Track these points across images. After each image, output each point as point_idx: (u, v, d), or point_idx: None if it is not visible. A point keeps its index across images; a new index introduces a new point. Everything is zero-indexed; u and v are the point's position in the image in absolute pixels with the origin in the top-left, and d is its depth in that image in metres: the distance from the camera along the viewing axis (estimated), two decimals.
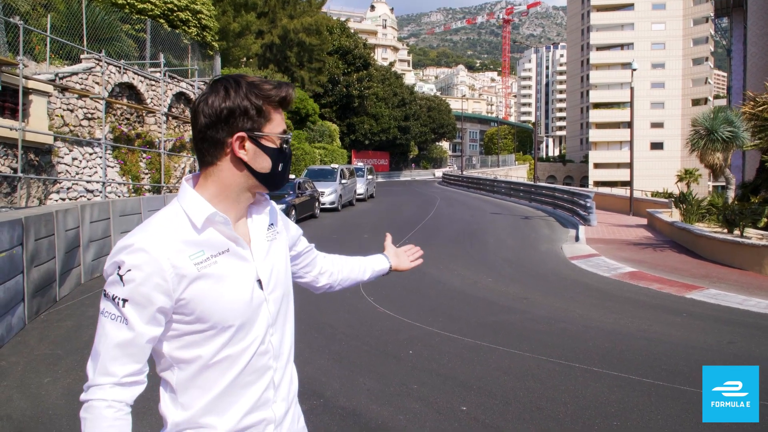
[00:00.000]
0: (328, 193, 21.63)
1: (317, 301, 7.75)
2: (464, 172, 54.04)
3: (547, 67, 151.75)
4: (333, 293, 2.01)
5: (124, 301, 1.30)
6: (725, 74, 75.98)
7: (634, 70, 23.22)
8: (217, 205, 1.40)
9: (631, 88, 23.22)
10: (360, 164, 31.37)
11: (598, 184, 73.34)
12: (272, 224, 1.55)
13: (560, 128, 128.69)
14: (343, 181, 23.36)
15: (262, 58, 34.82)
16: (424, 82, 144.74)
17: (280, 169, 1.44)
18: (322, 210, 21.29)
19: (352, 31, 47.54)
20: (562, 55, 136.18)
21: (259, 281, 1.44)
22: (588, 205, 19.38)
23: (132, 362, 1.32)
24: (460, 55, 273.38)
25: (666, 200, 22.09)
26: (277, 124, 1.42)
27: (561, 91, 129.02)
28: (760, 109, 12.04)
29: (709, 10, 77.79)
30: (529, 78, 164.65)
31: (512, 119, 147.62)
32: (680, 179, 70.21)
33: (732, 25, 41.86)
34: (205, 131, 1.38)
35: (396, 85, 55.44)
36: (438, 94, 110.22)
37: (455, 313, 7.90)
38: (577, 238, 16.63)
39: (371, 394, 4.77)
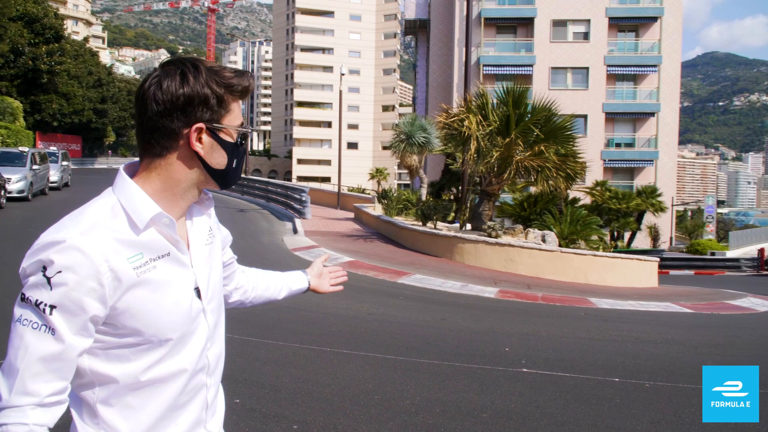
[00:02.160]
0: (15, 180, 18.59)
1: None
2: None
3: (253, 62, 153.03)
4: None
5: (52, 307, 1.11)
6: (410, 86, 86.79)
7: (343, 74, 25.09)
8: (159, 202, 1.24)
9: (340, 92, 25.04)
10: (54, 149, 27.67)
11: (301, 179, 76.88)
12: (210, 227, 1.42)
13: (265, 123, 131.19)
14: (35, 166, 20.38)
15: None
16: (121, 63, 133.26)
17: (234, 165, 1.30)
18: (9, 199, 18.27)
19: None
20: (267, 52, 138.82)
21: (197, 289, 1.31)
22: (303, 199, 20.34)
23: (57, 379, 1.14)
24: (162, 38, 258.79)
25: (369, 196, 24.42)
26: (235, 116, 1.28)
27: (266, 87, 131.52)
28: (452, 120, 14.19)
29: (396, 27, 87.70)
30: None
31: None
32: (372, 177, 78.00)
33: (417, 43, 47.88)
34: (157, 120, 1.21)
35: (91, 63, 50.10)
36: (138, 77, 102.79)
37: None
38: (295, 231, 17.35)
39: None
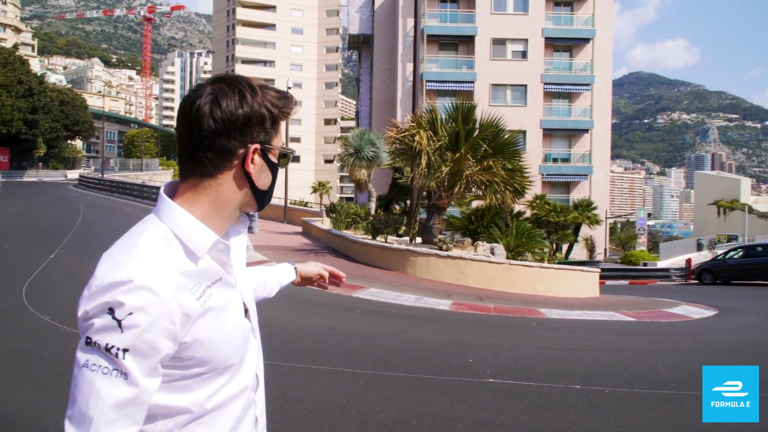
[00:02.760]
0: None
1: None
2: (105, 175, 49.82)
3: (191, 73, 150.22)
4: None
5: (125, 351, 1.06)
6: (351, 100, 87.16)
7: (290, 88, 25.02)
8: (208, 225, 1.22)
9: None
10: None
11: None
12: (247, 245, 1.44)
13: None
14: None
15: None
16: (51, 71, 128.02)
17: (273, 185, 1.31)
18: None
19: None
20: (206, 63, 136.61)
21: (246, 309, 1.31)
22: (251, 213, 20.10)
23: (131, 425, 1.10)
24: (94, 47, 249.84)
25: (316, 209, 24.35)
26: (281, 137, 1.29)
27: None
28: (403, 135, 14.42)
29: (338, 41, 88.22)
30: (173, 81, 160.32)
31: (154, 122, 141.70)
32: (315, 190, 77.25)
33: (361, 58, 48.28)
34: (213, 138, 1.18)
35: (21, 71, 47.97)
36: (70, 86, 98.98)
37: None
38: None
39: None
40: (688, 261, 28.30)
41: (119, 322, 1.06)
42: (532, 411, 4.96)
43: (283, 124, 1.30)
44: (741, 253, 23.56)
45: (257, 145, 1.23)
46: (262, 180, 1.26)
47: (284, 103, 1.27)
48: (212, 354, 1.18)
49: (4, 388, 4.98)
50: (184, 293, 1.13)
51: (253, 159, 1.23)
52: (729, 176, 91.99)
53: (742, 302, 14.99)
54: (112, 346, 1.06)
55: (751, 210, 59.47)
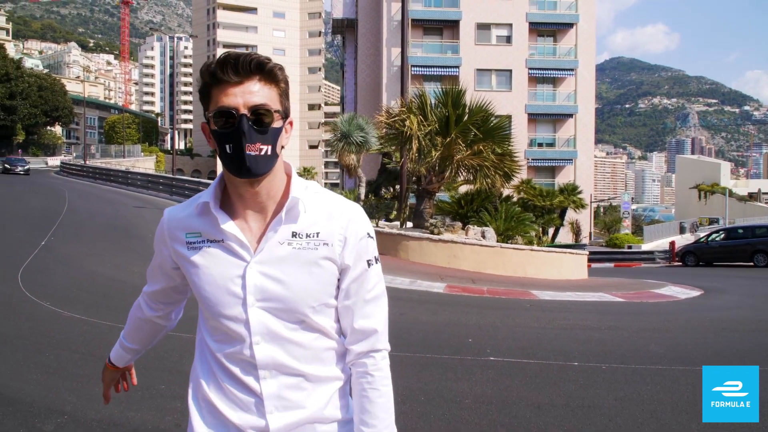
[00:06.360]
0: None
1: None
2: (88, 162, 49.24)
3: (172, 57, 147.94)
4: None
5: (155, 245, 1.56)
6: (335, 85, 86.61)
7: None
8: (230, 194, 1.39)
9: None
10: None
11: None
12: (309, 235, 1.36)
13: (186, 121, 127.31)
14: None
15: None
16: (27, 56, 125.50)
17: (228, 150, 1.28)
18: None
19: None
20: (186, 47, 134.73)
21: (244, 283, 1.34)
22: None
23: (151, 284, 1.61)
24: (71, 31, 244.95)
25: None
26: (213, 103, 1.30)
27: (187, 84, 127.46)
28: (393, 120, 14.46)
29: (321, 25, 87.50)
30: (152, 66, 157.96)
31: (134, 107, 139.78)
32: (300, 176, 76.52)
33: (345, 43, 48.01)
34: None
35: None
36: (47, 71, 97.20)
37: None
38: None
39: (120, 402, 4.38)
40: (672, 244, 28.79)
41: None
42: (534, 386, 5.11)
43: (218, 87, 1.30)
44: (723, 236, 24.01)
45: (203, 122, 1.36)
46: (218, 149, 1.32)
47: (204, 68, 1.32)
48: (191, 281, 1.44)
49: (15, 371, 5.03)
50: (177, 233, 1.43)
51: (207, 129, 1.35)
52: (709, 160, 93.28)
53: (725, 283, 15.34)
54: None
55: (731, 193, 60.46)
